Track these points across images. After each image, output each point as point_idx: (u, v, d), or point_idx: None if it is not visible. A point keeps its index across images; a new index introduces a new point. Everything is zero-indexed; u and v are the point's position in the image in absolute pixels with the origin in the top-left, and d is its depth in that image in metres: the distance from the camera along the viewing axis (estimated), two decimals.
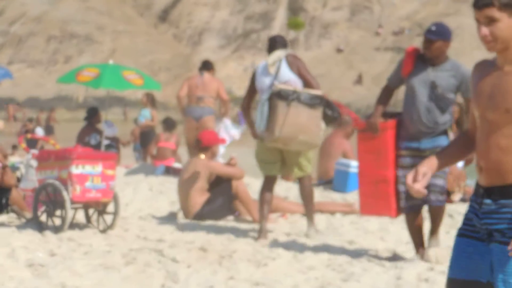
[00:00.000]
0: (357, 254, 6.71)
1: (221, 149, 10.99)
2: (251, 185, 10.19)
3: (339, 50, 59.39)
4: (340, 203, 9.38)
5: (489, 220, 2.99)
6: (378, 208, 6.50)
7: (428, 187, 5.84)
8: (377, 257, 6.63)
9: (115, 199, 7.54)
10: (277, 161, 7.40)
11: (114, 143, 13.53)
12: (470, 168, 6.43)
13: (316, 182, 10.59)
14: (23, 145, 8.50)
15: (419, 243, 6.41)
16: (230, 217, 8.54)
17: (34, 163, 7.68)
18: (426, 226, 6.60)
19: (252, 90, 7.50)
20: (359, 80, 55.16)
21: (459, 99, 6.82)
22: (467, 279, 3.03)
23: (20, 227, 7.53)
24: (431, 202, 6.27)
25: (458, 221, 8.08)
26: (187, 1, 63.73)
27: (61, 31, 59.44)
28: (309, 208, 7.55)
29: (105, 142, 13.06)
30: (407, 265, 6.19)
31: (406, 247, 6.99)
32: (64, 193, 7.21)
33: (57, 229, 7.24)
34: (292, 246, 6.96)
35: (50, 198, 7.32)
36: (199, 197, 8.36)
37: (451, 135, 6.48)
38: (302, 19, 60.87)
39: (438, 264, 6.14)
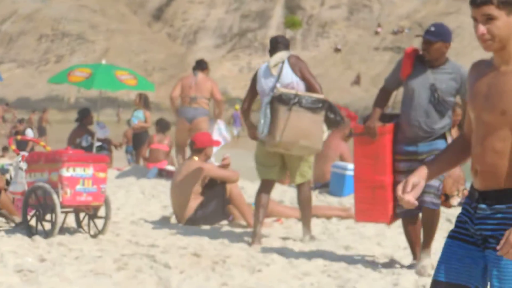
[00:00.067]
0: (353, 259, 6.67)
1: (214, 150, 10.89)
2: (245, 188, 10.13)
3: (337, 50, 59.41)
4: (336, 207, 9.31)
5: (483, 226, 2.95)
6: (374, 215, 6.38)
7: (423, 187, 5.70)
8: (374, 263, 6.59)
9: (107, 203, 7.47)
10: (276, 165, 7.34)
11: (106, 145, 13.47)
12: (470, 172, 6.31)
13: (312, 186, 10.49)
14: (13, 146, 8.40)
15: (416, 249, 6.30)
16: (224, 222, 8.48)
17: (23, 165, 7.58)
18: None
19: (253, 91, 7.42)
20: (357, 81, 55.15)
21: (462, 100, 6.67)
22: (455, 283, 2.99)
23: (8, 231, 7.47)
24: (426, 204, 6.12)
25: None
26: None
27: (53, 30, 59.37)
28: (306, 214, 7.49)
29: (97, 143, 13.00)
30: (405, 271, 6.15)
31: (404, 253, 6.94)
32: (54, 197, 7.12)
33: (47, 234, 7.17)
34: (287, 251, 6.92)
35: (40, 202, 7.25)
36: (193, 201, 8.27)
37: (450, 139, 6.35)
38: (299, 18, 60.91)
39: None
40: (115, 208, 8.80)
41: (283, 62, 7.25)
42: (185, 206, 8.29)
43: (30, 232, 7.23)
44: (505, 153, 2.90)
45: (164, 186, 10.61)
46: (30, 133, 22.70)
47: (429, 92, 6.17)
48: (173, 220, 8.53)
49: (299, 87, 7.16)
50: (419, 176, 3.05)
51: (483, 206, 2.95)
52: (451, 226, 8.94)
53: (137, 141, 14.67)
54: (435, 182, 6.13)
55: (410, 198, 3.02)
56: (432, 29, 6.16)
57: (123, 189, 10.65)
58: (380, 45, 58.51)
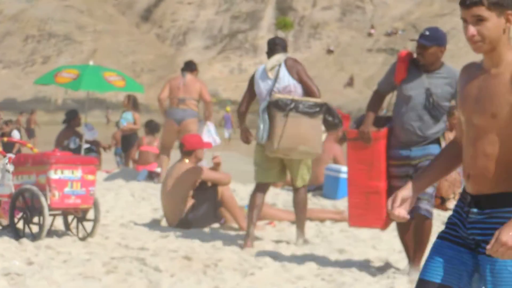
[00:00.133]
0: (347, 263, 6.64)
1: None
2: (237, 191, 10.08)
3: (329, 51, 59.43)
4: (330, 210, 9.29)
5: (475, 231, 2.94)
6: (369, 220, 6.30)
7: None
8: (369, 266, 6.56)
9: (95, 205, 7.41)
10: (275, 168, 7.30)
11: (95, 147, 13.38)
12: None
13: None
14: None
15: (411, 252, 6.22)
16: (216, 225, 8.42)
17: (10, 167, 7.50)
18: None
19: (250, 94, 7.36)
20: (350, 83, 55.20)
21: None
22: (441, 283, 2.97)
23: None
24: (419, 210, 6.01)
25: None
26: (171, 0, 63.70)
27: (39, 31, 59.17)
28: (301, 217, 7.46)
29: (85, 146, 12.92)
30: (400, 275, 6.13)
31: (399, 256, 6.92)
32: (42, 199, 7.07)
33: (34, 237, 7.11)
34: (280, 254, 6.89)
35: (27, 204, 7.19)
36: (183, 203, 8.19)
37: (444, 144, 6.25)
38: (290, 19, 60.88)
39: None
40: (104, 211, 8.76)
41: (280, 65, 7.17)
42: (176, 208, 8.20)
43: (17, 235, 7.17)
44: (496, 157, 2.88)
45: (154, 189, 10.55)
46: (16, 135, 22.56)
47: (424, 97, 6.05)
48: (164, 223, 8.48)
49: (297, 90, 7.10)
50: (409, 190, 3.04)
51: (475, 210, 2.94)
52: None
53: (126, 143, 14.59)
54: (429, 189, 6.03)
55: (400, 212, 3.02)
56: (427, 33, 6.03)
57: (112, 191, 10.59)
58: (373, 46, 58.60)
